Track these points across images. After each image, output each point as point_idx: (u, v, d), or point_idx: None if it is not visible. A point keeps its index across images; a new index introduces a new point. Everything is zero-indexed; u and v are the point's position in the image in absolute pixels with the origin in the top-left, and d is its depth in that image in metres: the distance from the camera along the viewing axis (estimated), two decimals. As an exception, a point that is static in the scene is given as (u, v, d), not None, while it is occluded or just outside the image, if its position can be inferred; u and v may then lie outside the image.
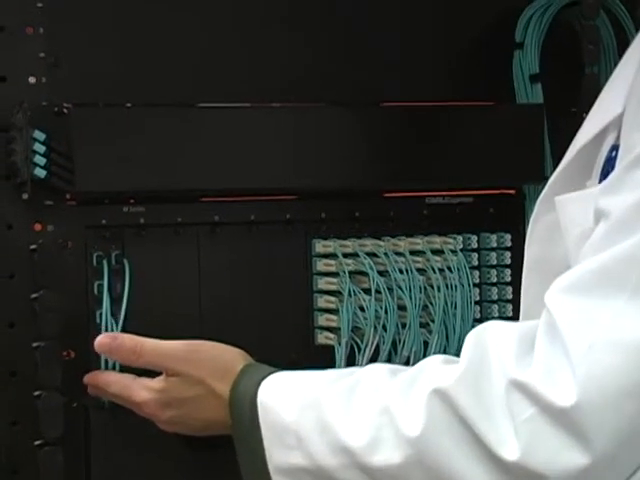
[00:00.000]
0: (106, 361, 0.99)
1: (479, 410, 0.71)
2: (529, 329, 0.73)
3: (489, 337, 0.74)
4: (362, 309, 1.05)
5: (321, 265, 1.08)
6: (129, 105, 1.02)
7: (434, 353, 1.08)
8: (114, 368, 0.99)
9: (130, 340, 0.96)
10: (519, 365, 0.71)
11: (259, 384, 0.88)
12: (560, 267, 0.76)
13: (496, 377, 0.72)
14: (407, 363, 1.07)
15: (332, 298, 1.07)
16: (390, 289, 1.06)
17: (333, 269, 1.07)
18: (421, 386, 0.75)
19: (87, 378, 0.99)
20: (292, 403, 0.84)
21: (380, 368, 0.83)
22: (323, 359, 1.09)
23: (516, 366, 0.71)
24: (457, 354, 1.04)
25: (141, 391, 0.96)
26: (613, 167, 0.76)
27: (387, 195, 1.13)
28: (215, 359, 0.94)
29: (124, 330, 1.00)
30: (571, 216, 0.78)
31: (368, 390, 0.80)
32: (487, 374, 0.72)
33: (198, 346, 0.96)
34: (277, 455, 0.84)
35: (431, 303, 1.08)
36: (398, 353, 1.07)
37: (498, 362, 0.72)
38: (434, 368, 0.77)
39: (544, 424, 0.69)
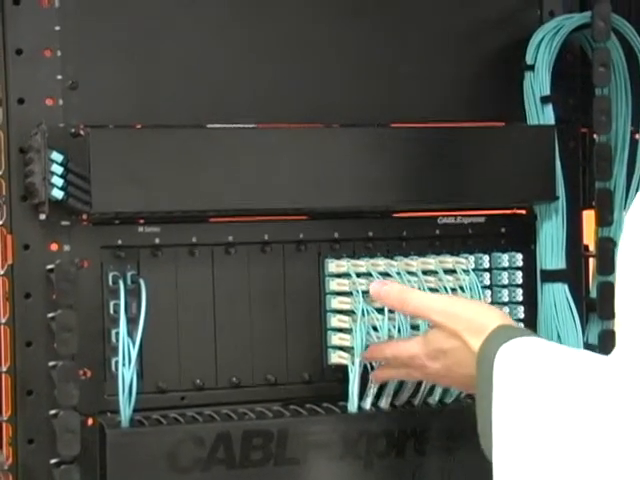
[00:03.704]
0: (123, 381, 0.99)
1: None
2: None
3: None
4: (375, 328, 1.06)
5: (334, 284, 1.09)
6: (144, 127, 1.04)
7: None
8: (130, 389, 1.00)
9: (398, 290, 1.01)
10: None
11: (498, 347, 0.89)
12: None
13: None
14: (420, 382, 1.08)
15: (345, 317, 1.08)
16: (403, 308, 1.06)
17: (346, 288, 1.08)
18: None
19: (366, 355, 1.04)
20: (524, 377, 0.85)
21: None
22: (336, 378, 1.10)
23: None
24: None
25: (412, 344, 1.01)
26: None
27: (399, 215, 1.14)
28: (472, 314, 0.96)
29: (140, 349, 1.01)
30: None
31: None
32: None
33: (458, 301, 1.01)
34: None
35: (443, 322, 1.08)
36: (411, 372, 1.07)
37: None
38: None
39: None
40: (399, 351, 1.02)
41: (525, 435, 0.84)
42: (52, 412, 1.00)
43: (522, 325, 1.10)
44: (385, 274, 1.07)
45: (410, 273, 1.08)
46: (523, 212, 1.18)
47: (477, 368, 0.91)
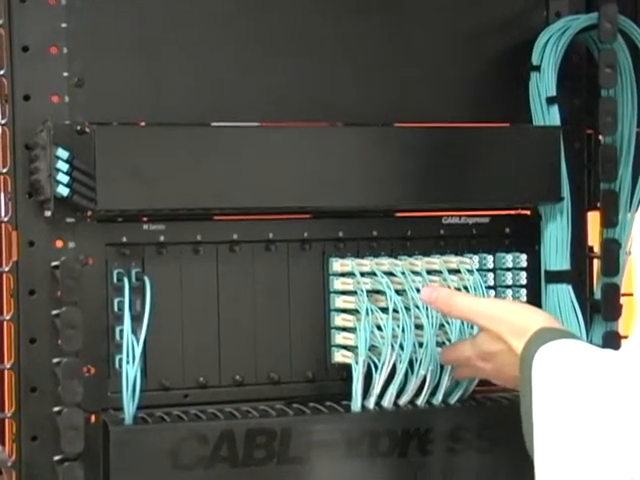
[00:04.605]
0: (126, 379, 0.99)
1: None
2: None
3: None
4: (379, 328, 1.06)
5: (338, 284, 1.09)
6: (149, 125, 1.04)
7: (450, 372, 1.09)
8: (134, 387, 1.00)
9: (445, 295, 1.03)
10: None
11: (536, 351, 0.91)
12: None
13: None
14: (423, 382, 1.08)
15: (349, 317, 1.08)
16: (407, 308, 1.06)
17: (350, 288, 1.08)
18: None
19: (441, 359, 1.07)
20: (560, 379, 0.88)
21: None
22: (340, 377, 1.10)
23: None
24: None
25: (465, 346, 1.04)
26: None
27: (404, 215, 1.14)
28: (515, 317, 0.98)
29: (144, 346, 1.01)
30: None
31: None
32: None
33: (502, 304, 1.04)
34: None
35: (447, 322, 1.08)
36: (415, 372, 1.07)
37: None
38: None
39: None
40: (456, 354, 1.05)
41: (563, 434, 0.85)
42: (56, 409, 1.00)
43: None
44: (389, 273, 1.07)
45: (414, 273, 1.08)
46: (528, 213, 1.18)
47: (519, 370, 0.94)
